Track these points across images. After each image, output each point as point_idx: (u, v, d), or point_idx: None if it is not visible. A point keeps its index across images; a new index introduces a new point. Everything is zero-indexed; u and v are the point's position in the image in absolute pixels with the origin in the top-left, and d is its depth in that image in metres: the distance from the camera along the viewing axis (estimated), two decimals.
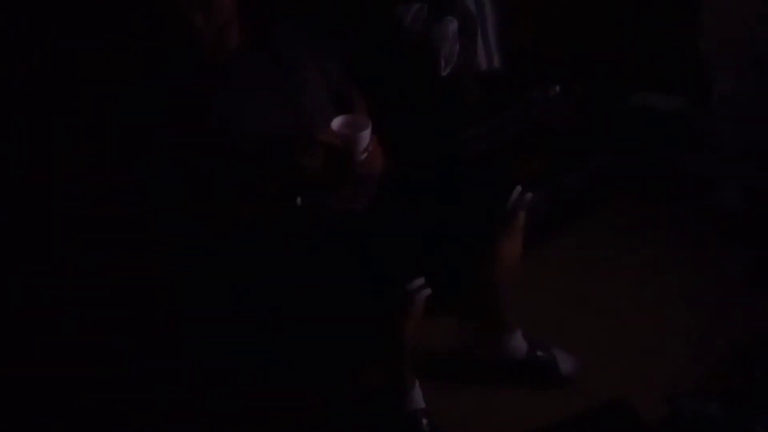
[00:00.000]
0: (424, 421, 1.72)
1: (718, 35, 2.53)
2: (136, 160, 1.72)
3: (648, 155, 2.79)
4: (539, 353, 1.89)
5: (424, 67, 2.22)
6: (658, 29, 2.77)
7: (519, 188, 1.72)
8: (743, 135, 2.57)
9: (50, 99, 1.72)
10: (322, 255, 1.61)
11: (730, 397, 1.68)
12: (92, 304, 1.80)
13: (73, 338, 1.79)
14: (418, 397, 1.73)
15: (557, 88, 2.56)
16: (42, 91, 1.71)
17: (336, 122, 1.52)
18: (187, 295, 1.83)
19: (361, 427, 1.83)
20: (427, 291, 1.54)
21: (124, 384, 1.81)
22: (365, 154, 1.53)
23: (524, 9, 2.55)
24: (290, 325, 1.74)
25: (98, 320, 1.81)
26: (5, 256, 1.72)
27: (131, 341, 1.83)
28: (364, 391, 1.86)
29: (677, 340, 2.01)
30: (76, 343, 1.79)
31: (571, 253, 2.47)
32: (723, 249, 2.41)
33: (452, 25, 2.18)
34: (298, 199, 1.61)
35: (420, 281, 1.53)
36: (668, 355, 1.96)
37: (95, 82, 1.74)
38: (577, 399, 1.81)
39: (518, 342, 1.88)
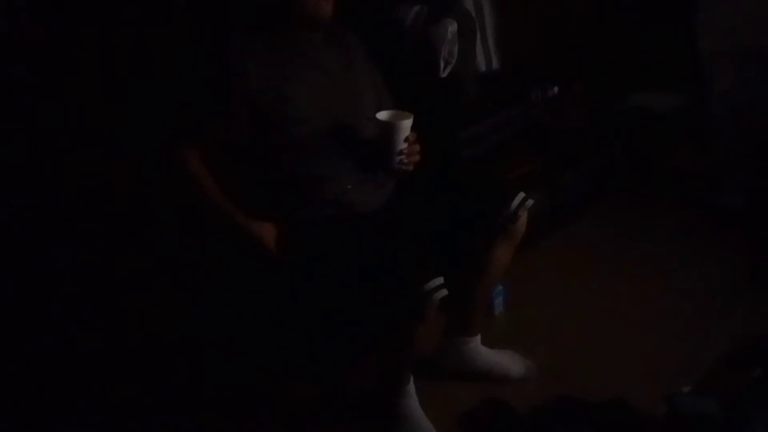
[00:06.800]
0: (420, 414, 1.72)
1: (718, 35, 2.53)
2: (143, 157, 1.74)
3: (647, 155, 2.80)
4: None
5: (424, 68, 2.22)
6: (657, 29, 2.77)
7: (522, 194, 1.74)
8: (743, 134, 2.57)
9: (51, 98, 1.73)
10: (337, 255, 1.61)
11: (729, 396, 1.68)
12: (93, 303, 1.81)
13: (72, 338, 1.80)
14: (412, 392, 1.73)
15: (556, 88, 2.57)
16: (42, 90, 1.72)
17: (381, 114, 1.68)
18: (189, 290, 1.84)
19: (356, 423, 1.82)
20: (444, 292, 1.53)
21: (122, 381, 1.82)
22: (406, 144, 1.65)
23: (523, 10, 2.55)
24: (296, 323, 1.75)
25: (97, 319, 1.82)
26: (7, 256, 1.72)
27: (131, 337, 1.84)
28: (360, 387, 1.85)
29: (677, 340, 2.02)
30: (76, 343, 1.80)
31: (571, 253, 2.48)
32: (723, 248, 2.41)
33: (451, 27, 2.19)
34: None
35: (438, 281, 1.53)
36: (668, 355, 1.96)
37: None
38: (577, 398, 1.81)
39: (478, 349, 1.89)
